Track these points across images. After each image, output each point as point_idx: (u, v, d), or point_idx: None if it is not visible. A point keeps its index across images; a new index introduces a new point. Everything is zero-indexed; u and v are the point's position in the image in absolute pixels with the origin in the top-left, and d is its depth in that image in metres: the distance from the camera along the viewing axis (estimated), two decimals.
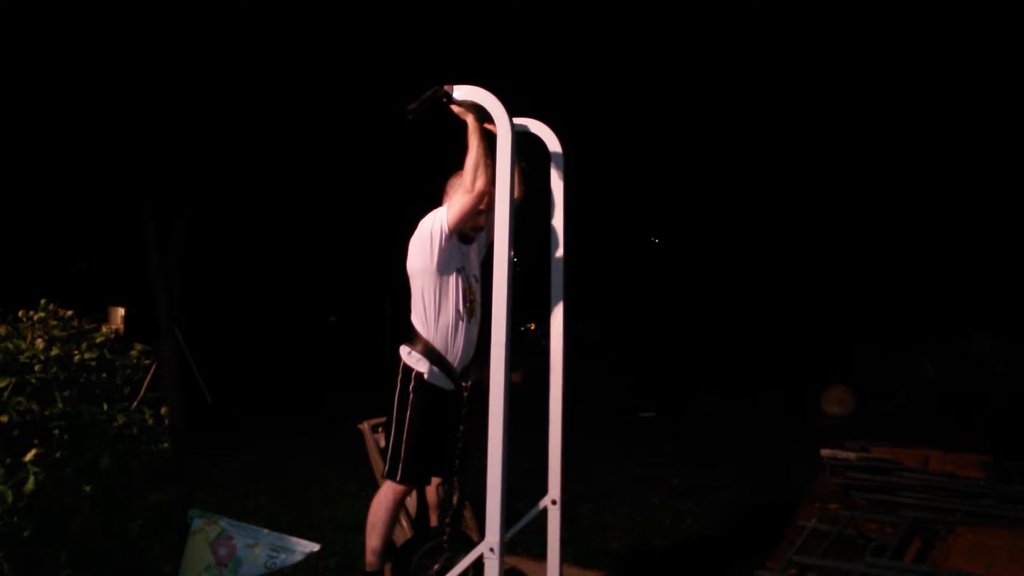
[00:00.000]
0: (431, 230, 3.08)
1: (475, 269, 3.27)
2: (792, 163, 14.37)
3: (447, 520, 3.15)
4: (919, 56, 11.96)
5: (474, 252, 3.30)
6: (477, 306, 3.22)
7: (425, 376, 3.08)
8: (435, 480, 3.33)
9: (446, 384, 3.13)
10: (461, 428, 3.17)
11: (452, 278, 3.13)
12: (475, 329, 3.19)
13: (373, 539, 3.12)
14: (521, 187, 3.08)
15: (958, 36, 11.57)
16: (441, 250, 3.07)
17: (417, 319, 3.13)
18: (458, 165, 3.06)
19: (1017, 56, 11.30)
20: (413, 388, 3.07)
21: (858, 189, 14.37)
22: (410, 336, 3.14)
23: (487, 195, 2.99)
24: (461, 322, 3.13)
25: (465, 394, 3.15)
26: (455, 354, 3.13)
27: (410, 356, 3.11)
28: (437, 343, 3.09)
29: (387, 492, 3.11)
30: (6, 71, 7.97)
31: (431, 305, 3.09)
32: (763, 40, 12.01)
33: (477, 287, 3.25)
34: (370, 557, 3.12)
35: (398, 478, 3.06)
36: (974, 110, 12.51)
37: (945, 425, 8.80)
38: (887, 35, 11.87)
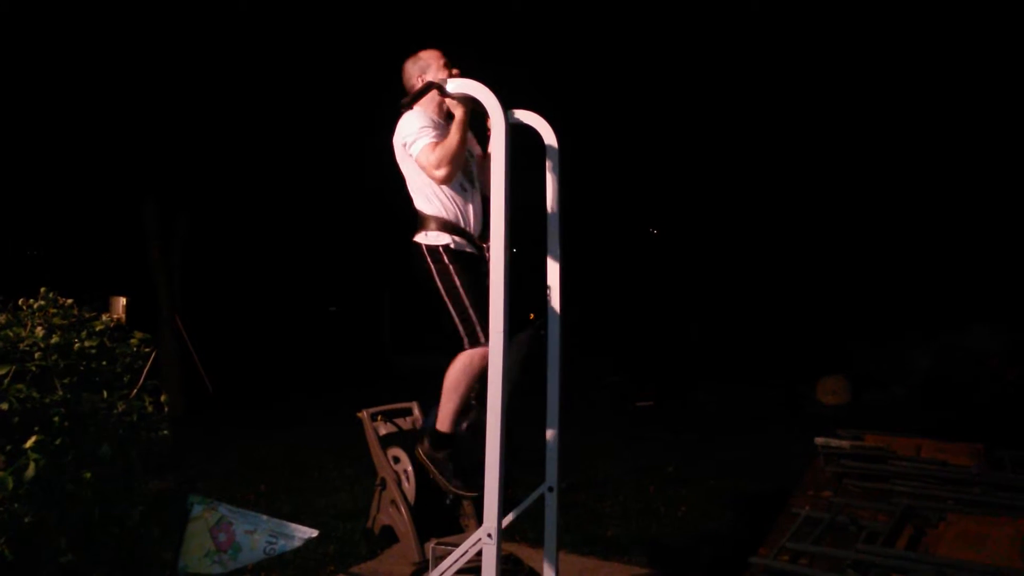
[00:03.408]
0: (403, 144, 3.10)
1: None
2: (790, 155, 14.36)
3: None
4: (918, 54, 11.95)
5: None
6: (474, 176, 3.26)
7: (452, 246, 3.10)
8: None
9: (471, 249, 3.16)
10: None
11: None
12: (478, 197, 3.23)
13: (451, 403, 3.13)
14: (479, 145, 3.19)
15: (958, 34, 11.56)
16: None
17: (421, 201, 3.16)
18: None
19: (1014, 54, 11.29)
20: (448, 260, 3.09)
21: (856, 181, 14.36)
22: (419, 222, 3.16)
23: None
24: (464, 192, 3.17)
25: (487, 255, 3.08)
26: (468, 222, 3.17)
27: (427, 237, 3.12)
28: (449, 215, 3.13)
29: (473, 356, 3.06)
30: (16, 71, 7.99)
31: (431, 182, 3.09)
32: (767, 30, 11.97)
33: (471, 159, 3.28)
34: (445, 420, 3.14)
35: (481, 340, 3.02)
36: (969, 105, 12.50)
37: (939, 414, 8.86)
38: (888, 31, 11.85)
